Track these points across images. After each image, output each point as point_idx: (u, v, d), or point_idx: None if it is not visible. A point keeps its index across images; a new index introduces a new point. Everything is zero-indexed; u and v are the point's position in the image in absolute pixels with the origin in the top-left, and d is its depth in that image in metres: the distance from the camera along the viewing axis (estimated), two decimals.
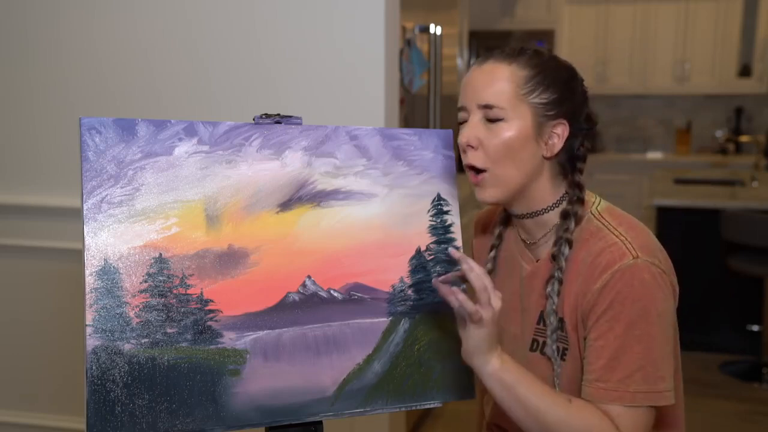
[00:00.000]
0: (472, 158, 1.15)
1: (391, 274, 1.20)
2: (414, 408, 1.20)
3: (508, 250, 1.31)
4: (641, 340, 1.09)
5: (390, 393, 1.18)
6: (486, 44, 6.04)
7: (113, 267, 1.05)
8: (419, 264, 1.22)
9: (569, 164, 1.20)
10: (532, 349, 1.22)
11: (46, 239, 2.59)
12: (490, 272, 1.31)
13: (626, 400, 1.08)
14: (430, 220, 1.24)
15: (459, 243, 1.24)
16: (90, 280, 1.04)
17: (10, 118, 2.58)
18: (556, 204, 1.20)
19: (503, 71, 1.14)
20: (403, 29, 3.01)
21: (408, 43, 3.10)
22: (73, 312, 2.34)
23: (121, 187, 1.08)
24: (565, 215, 1.18)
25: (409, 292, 1.21)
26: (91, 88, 2.48)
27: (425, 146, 1.26)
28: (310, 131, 1.19)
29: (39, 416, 2.72)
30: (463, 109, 1.18)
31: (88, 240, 1.05)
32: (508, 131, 1.13)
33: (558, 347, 1.18)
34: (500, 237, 1.32)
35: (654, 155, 6.30)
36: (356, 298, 1.18)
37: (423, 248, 1.22)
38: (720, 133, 6.34)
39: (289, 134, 1.18)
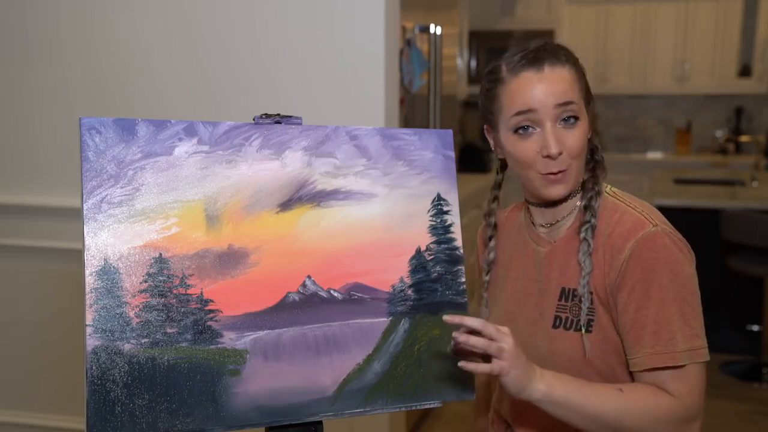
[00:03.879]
0: (562, 163, 1.18)
1: (391, 274, 1.20)
2: (414, 408, 1.20)
3: (517, 236, 1.34)
4: (675, 302, 1.14)
5: (390, 393, 1.18)
6: (486, 44, 6.05)
7: (113, 267, 1.05)
8: (419, 264, 1.22)
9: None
10: (554, 326, 1.24)
11: (46, 239, 2.59)
12: (491, 262, 1.36)
13: (677, 360, 1.13)
14: (430, 220, 1.24)
15: (459, 243, 1.24)
16: (90, 280, 1.04)
17: (10, 118, 2.58)
18: (579, 188, 1.26)
19: (566, 73, 1.19)
20: (403, 29, 3.02)
21: (408, 43, 3.10)
22: (73, 312, 2.34)
23: (121, 187, 1.08)
24: (592, 170, 1.25)
25: (409, 292, 1.20)
26: (91, 88, 2.48)
27: (425, 146, 1.26)
28: (310, 131, 1.19)
29: (39, 416, 2.72)
30: (531, 111, 1.17)
31: (88, 240, 1.05)
32: (582, 129, 1.20)
33: (586, 318, 1.20)
34: (495, 227, 1.37)
35: (654, 155, 6.30)
36: (356, 298, 1.18)
37: (423, 248, 1.22)
38: (720, 133, 6.34)
39: (289, 134, 1.18)
